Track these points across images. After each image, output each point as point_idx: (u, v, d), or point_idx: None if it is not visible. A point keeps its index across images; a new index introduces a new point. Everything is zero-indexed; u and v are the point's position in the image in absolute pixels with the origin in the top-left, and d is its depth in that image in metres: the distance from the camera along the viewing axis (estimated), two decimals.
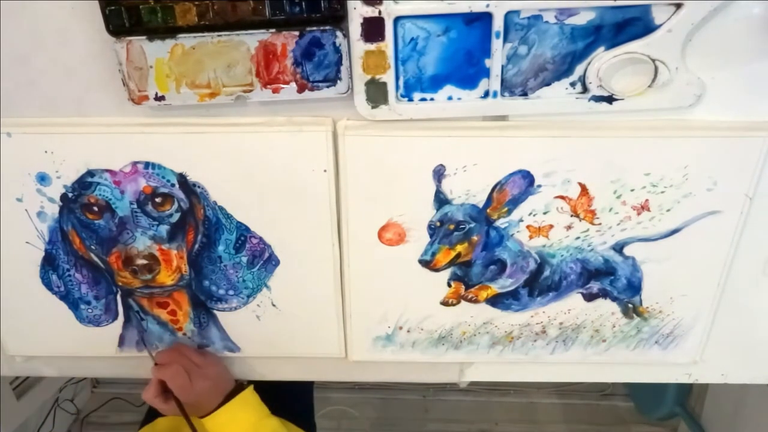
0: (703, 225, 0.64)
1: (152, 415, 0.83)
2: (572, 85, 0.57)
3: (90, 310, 0.73)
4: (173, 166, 0.63)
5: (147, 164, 0.63)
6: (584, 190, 0.63)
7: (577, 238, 0.66)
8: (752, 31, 0.55)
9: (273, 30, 0.54)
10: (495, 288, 0.69)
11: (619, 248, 0.66)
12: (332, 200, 0.64)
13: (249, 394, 0.73)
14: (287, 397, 0.81)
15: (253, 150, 0.62)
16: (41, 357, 0.79)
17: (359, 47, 0.55)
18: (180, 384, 0.68)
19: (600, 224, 0.65)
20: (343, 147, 0.61)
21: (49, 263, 0.70)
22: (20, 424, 1.28)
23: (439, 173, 0.62)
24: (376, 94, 0.57)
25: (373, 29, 0.54)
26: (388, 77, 0.56)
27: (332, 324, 0.73)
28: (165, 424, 0.81)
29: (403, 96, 0.58)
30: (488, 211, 0.64)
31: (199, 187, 0.64)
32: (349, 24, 0.54)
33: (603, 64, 0.54)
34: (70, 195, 0.65)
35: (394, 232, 0.66)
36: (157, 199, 0.65)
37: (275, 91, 0.57)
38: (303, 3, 0.53)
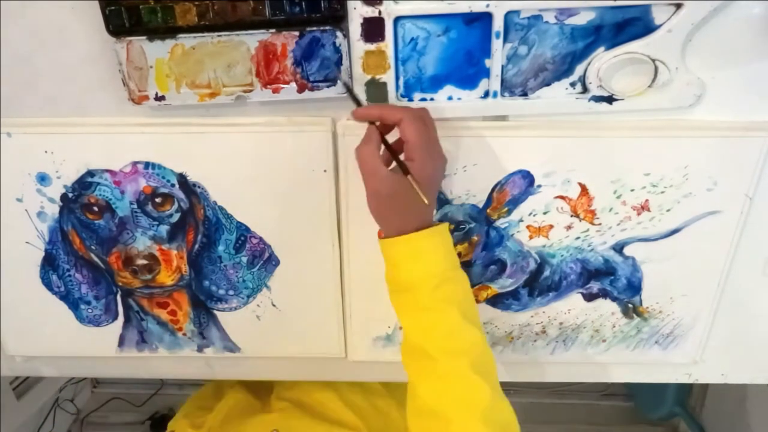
0: (703, 225, 0.64)
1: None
2: (572, 85, 0.57)
3: (90, 310, 0.73)
4: (173, 166, 0.63)
5: (147, 164, 0.63)
6: (584, 190, 0.63)
7: (577, 238, 0.66)
8: (752, 31, 0.55)
9: (273, 30, 0.54)
10: (495, 288, 0.69)
11: (619, 248, 0.66)
12: (332, 200, 0.64)
13: (444, 230, 0.54)
14: None
15: (253, 150, 0.62)
16: (41, 357, 0.79)
17: (359, 47, 0.55)
18: (425, 138, 0.51)
19: (600, 224, 0.65)
20: (343, 147, 0.61)
21: (49, 263, 0.70)
22: (20, 424, 1.28)
23: None
24: (376, 94, 0.57)
25: (373, 29, 0.54)
26: (388, 77, 0.56)
27: (332, 324, 0.72)
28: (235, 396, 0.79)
29: (403, 96, 0.58)
30: (488, 211, 0.64)
31: (199, 187, 0.64)
32: (349, 24, 0.54)
33: (603, 64, 0.54)
34: (70, 195, 0.65)
35: None
36: (157, 199, 0.65)
37: (275, 91, 0.57)
38: (303, 3, 0.53)
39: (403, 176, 0.49)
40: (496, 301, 0.70)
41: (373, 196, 0.52)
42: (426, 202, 0.49)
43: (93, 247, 0.68)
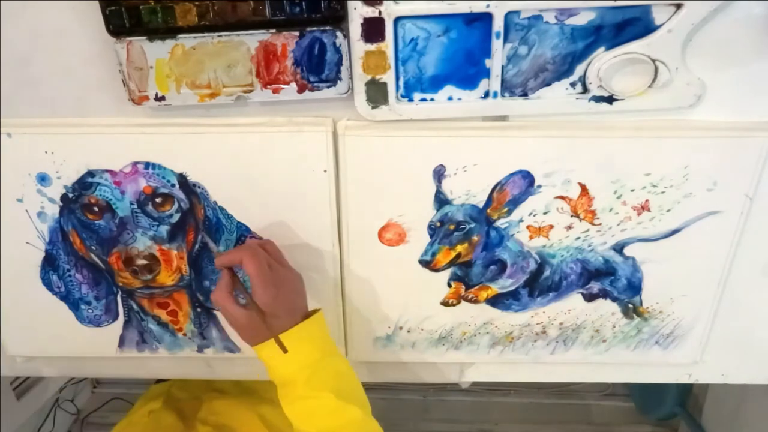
0: (703, 225, 0.64)
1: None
2: (572, 85, 0.57)
3: (90, 311, 0.73)
4: (173, 167, 0.63)
5: (147, 164, 0.63)
6: (584, 190, 0.63)
7: (578, 238, 0.66)
8: (752, 31, 0.55)
9: (273, 30, 0.54)
10: (495, 288, 0.69)
11: (619, 248, 0.66)
12: (332, 200, 0.64)
13: (317, 322, 0.60)
14: None
15: (253, 150, 0.62)
16: (41, 357, 0.79)
17: (359, 47, 0.55)
18: (262, 271, 0.56)
19: (600, 224, 0.65)
20: (343, 147, 0.61)
21: (49, 263, 0.70)
22: (20, 424, 1.28)
23: (439, 173, 0.62)
24: (377, 94, 0.57)
25: (373, 29, 0.54)
26: (389, 77, 0.56)
27: (332, 324, 0.72)
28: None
29: (403, 96, 0.58)
30: (488, 211, 0.64)
31: (199, 187, 0.64)
32: (349, 24, 0.54)
33: (603, 65, 0.54)
34: (70, 195, 0.65)
35: (394, 232, 0.66)
36: (158, 200, 0.65)
37: (275, 91, 0.57)
38: (303, 3, 0.53)
39: (253, 306, 0.56)
40: (496, 301, 0.70)
41: (235, 327, 0.59)
42: (267, 333, 0.56)
43: (93, 248, 0.68)
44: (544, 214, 0.64)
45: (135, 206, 0.65)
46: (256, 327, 0.57)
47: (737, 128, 0.59)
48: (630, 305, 0.70)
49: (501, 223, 0.65)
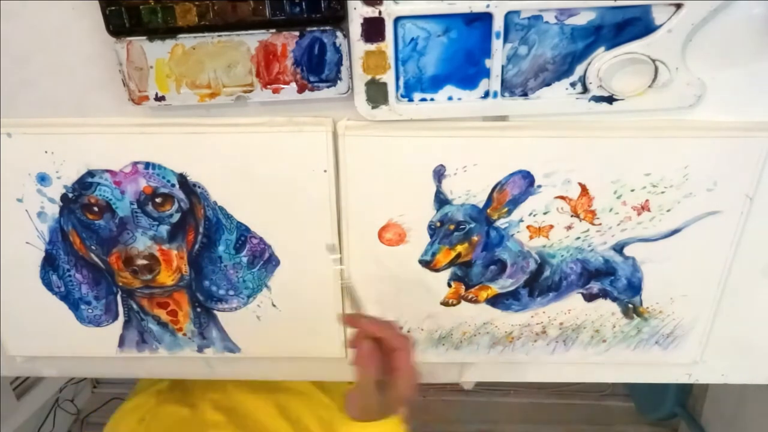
0: (703, 225, 0.64)
1: None
2: (572, 85, 0.57)
3: (90, 311, 0.73)
4: (173, 167, 0.63)
5: (147, 164, 0.63)
6: (584, 190, 0.63)
7: (578, 238, 0.66)
8: (752, 31, 0.55)
9: (273, 30, 0.54)
10: (495, 288, 0.69)
11: (619, 248, 0.66)
12: (332, 200, 0.64)
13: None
14: None
15: (253, 150, 0.62)
16: (42, 357, 0.79)
17: (359, 47, 0.55)
18: (414, 367, 0.55)
19: (600, 224, 0.65)
20: (343, 147, 0.61)
21: (49, 263, 0.70)
22: (20, 424, 1.28)
23: (439, 173, 0.62)
24: (377, 94, 0.57)
25: (373, 29, 0.54)
26: (389, 77, 0.56)
27: (332, 324, 0.72)
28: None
29: (403, 96, 0.58)
30: (488, 211, 0.64)
31: (199, 187, 0.64)
32: (349, 24, 0.54)
33: (603, 65, 0.54)
34: (70, 195, 0.65)
35: (394, 232, 0.66)
36: (158, 200, 0.65)
37: (275, 91, 0.57)
38: (303, 3, 0.53)
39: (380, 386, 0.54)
40: (496, 301, 0.70)
41: (356, 391, 0.56)
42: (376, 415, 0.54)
43: (93, 248, 0.68)
44: (544, 214, 0.64)
45: (135, 206, 0.65)
46: (370, 404, 0.55)
47: (737, 128, 0.59)
48: (630, 305, 0.70)
49: (501, 223, 0.65)
